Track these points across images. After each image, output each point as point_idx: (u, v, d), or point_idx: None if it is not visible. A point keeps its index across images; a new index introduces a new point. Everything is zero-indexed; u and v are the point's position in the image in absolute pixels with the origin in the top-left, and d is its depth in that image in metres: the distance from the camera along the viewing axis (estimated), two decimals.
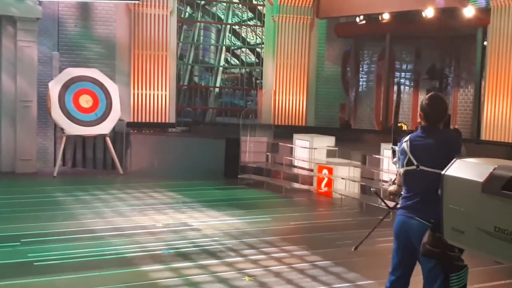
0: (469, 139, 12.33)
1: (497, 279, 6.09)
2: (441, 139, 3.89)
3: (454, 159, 3.13)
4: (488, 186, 2.80)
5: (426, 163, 3.87)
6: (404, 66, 16.86)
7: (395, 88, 16.40)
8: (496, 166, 2.86)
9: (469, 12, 12.51)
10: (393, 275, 4.14)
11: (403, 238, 4.04)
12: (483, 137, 12.56)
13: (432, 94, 4.09)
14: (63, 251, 6.59)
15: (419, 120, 4.15)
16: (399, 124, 15.18)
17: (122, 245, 6.95)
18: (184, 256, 6.56)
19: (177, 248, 6.88)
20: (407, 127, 15.34)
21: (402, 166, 4.01)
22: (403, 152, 4.02)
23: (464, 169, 2.97)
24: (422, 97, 17.16)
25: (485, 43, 13.16)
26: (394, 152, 4.30)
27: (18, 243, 6.87)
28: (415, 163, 3.91)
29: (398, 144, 4.13)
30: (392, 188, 4.37)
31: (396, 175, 4.31)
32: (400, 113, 16.25)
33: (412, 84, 16.91)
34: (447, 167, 3.09)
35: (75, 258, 6.35)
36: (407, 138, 4.04)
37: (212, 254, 6.67)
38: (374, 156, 10.22)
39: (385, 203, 4.71)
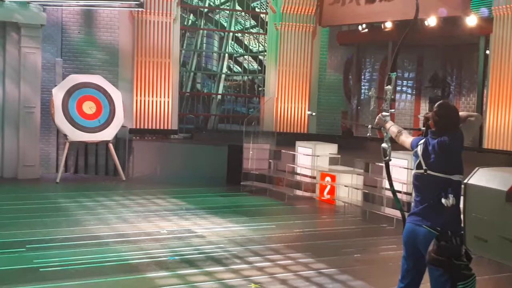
0: (472, 147, 12.32)
1: (505, 287, 6.10)
2: (446, 145, 3.91)
3: (477, 168, 3.15)
4: None
5: (433, 167, 3.92)
6: (406, 75, 16.88)
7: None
8: None
9: (471, 21, 12.53)
10: (402, 283, 4.17)
11: (411, 246, 4.07)
12: (486, 145, 12.56)
13: (441, 102, 4.14)
14: (69, 257, 6.60)
15: (423, 127, 4.27)
16: None
17: (127, 251, 6.97)
18: (190, 263, 6.56)
19: (182, 254, 6.89)
20: None
21: (413, 168, 4.08)
22: (415, 154, 4.09)
23: (487, 178, 2.97)
24: (424, 105, 17.14)
25: (487, 52, 13.18)
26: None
27: (24, 249, 6.88)
28: (424, 167, 3.96)
29: (412, 143, 4.19)
30: (391, 125, 4.49)
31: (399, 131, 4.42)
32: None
33: (414, 93, 16.92)
34: (470, 175, 3.11)
35: (81, 264, 6.36)
36: (422, 141, 4.08)
37: (218, 261, 6.68)
38: (377, 164, 10.22)
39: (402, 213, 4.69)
